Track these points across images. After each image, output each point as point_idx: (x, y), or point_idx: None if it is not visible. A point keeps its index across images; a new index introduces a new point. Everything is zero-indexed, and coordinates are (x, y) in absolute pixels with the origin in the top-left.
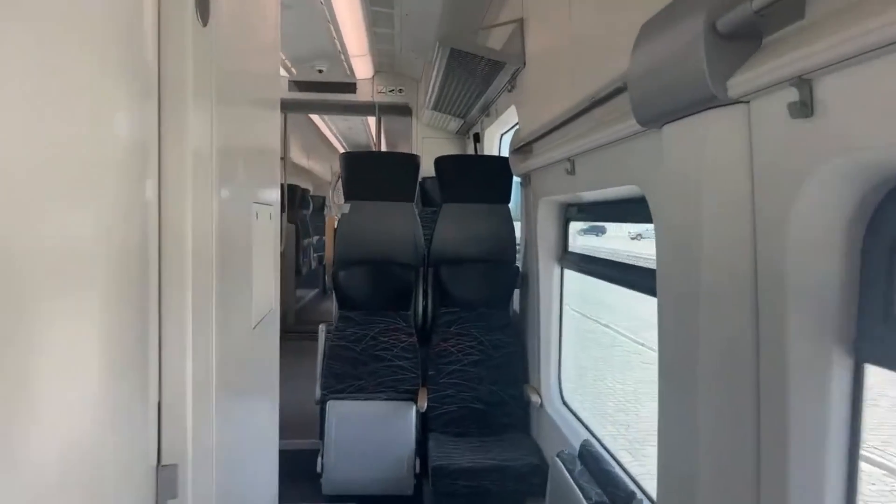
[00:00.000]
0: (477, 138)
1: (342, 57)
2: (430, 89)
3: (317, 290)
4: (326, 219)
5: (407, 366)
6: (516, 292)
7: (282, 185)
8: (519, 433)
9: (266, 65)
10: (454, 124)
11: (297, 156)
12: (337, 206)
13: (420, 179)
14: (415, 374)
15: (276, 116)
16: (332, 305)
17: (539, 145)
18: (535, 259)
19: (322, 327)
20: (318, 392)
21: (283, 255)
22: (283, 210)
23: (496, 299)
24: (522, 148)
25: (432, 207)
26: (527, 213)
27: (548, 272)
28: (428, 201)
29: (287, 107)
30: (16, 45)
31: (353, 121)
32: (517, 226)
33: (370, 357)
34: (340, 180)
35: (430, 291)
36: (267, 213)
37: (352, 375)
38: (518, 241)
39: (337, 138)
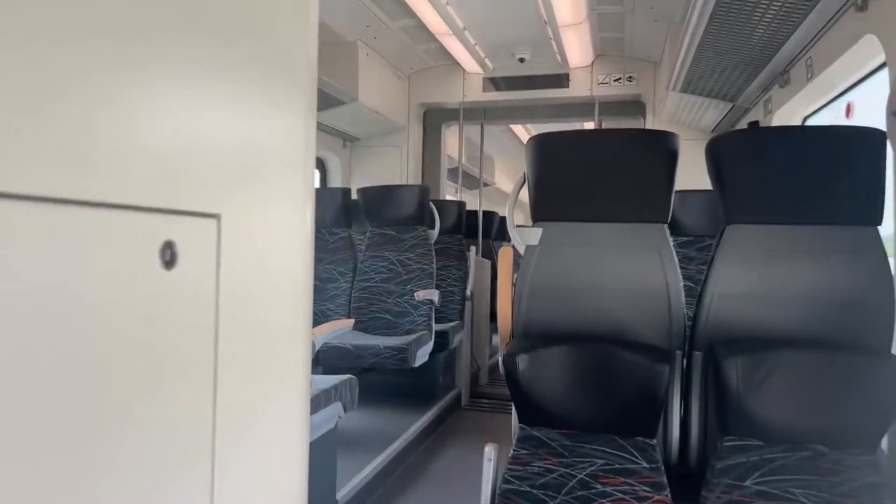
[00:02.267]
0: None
1: (549, 33)
2: (682, 55)
3: None
4: (498, 254)
5: None
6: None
7: (474, 212)
8: None
9: None
10: (713, 114)
11: (504, 181)
12: (518, 233)
13: None
14: None
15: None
16: None
17: None
18: None
19: (489, 451)
20: None
21: (471, 298)
22: (475, 242)
23: (850, 428)
24: None
25: (693, 237)
26: None
27: None
28: (678, 227)
29: (482, 114)
30: None
31: None
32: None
33: None
34: (526, 186)
35: (697, 402)
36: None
37: None
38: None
39: None
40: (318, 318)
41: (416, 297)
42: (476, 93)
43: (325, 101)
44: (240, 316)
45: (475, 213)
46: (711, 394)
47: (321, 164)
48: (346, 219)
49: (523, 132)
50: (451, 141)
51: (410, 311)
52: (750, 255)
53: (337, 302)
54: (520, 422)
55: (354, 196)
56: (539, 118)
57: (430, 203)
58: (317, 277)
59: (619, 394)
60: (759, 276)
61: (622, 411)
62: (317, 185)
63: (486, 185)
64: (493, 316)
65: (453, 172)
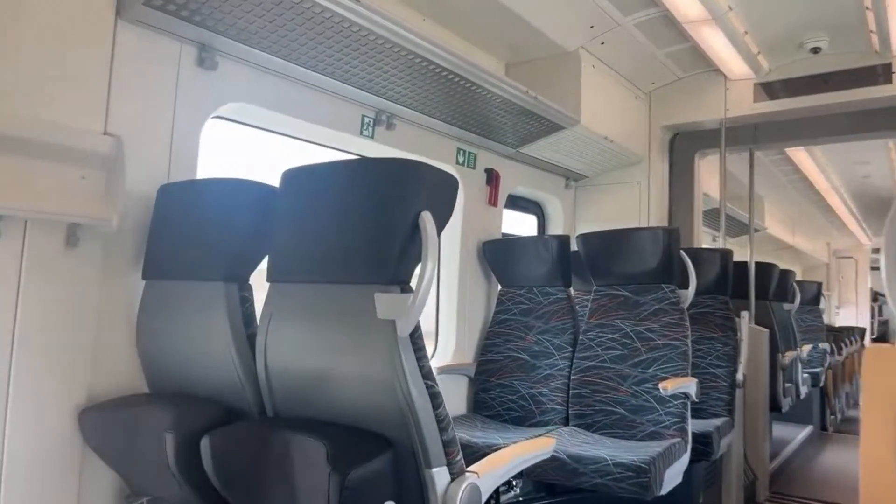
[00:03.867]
0: None
1: (866, 6)
2: None
3: (809, 429)
4: (863, 360)
5: None
6: None
7: (741, 265)
8: None
9: None
10: None
11: (776, 227)
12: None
13: None
14: None
15: None
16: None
17: None
18: None
19: None
20: None
21: (747, 381)
22: (745, 304)
23: None
24: None
25: None
26: None
27: None
28: None
29: (752, 134)
30: None
31: (876, 161)
32: None
33: None
34: None
35: None
36: None
37: None
38: None
39: (840, 196)
40: (528, 405)
41: (662, 391)
42: (743, 105)
43: (539, 127)
44: None
45: (744, 265)
46: None
47: (539, 210)
48: (563, 275)
49: (805, 160)
50: (707, 174)
51: (654, 407)
52: None
53: (551, 385)
54: None
55: (575, 247)
56: (835, 135)
57: (682, 252)
58: (526, 351)
59: None
60: None
61: None
62: (533, 233)
63: (755, 230)
64: (772, 405)
65: (710, 215)
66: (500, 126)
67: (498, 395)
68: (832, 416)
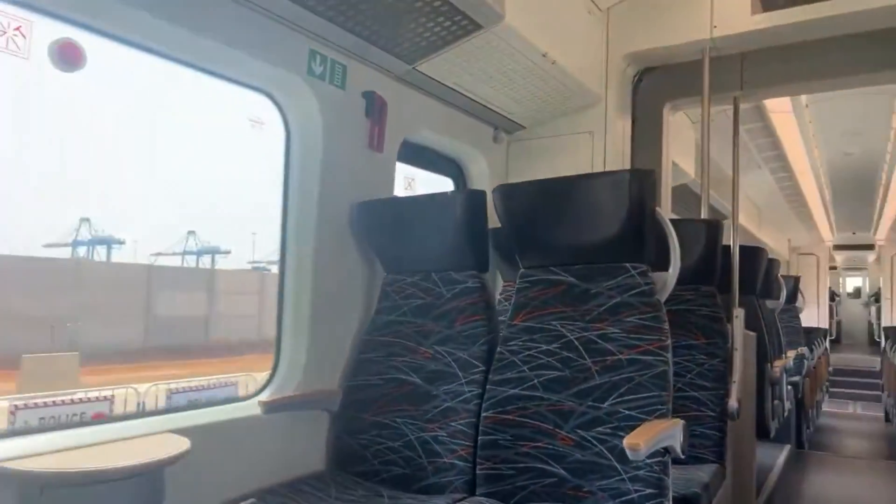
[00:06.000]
0: None
1: None
2: None
3: (787, 450)
4: None
5: None
6: None
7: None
8: None
9: None
10: None
11: (743, 218)
12: None
13: None
14: None
15: None
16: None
17: None
18: None
19: None
20: None
21: (738, 411)
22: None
23: None
24: None
25: None
26: None
27: None
28: None
29: (737, 78)
30: None
31: (871, 132)
32: None
33: None
34: None
35: None
36: None
37: None
38: None
39: (816, 179)
40: (416, 458)
41: (629, 452)
42: (738, 19)
43: (445, 24)
44: None
45: (725, 250)
46: None
47: (457, 170)
48: (476, 253)
49: (790, 130)
50: (680, 134)
51: (612, 465)
52: None
53: (452, 425)
54: None
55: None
56: (850, 73)
57: (661, 216)
58: (419, 371)
59: None
60: None
61: None
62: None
63: (723, 217)
64: (759, 430)
65: (682, 193)
66: (384, 22)
67: (373, 440)
68: (808, 430)
